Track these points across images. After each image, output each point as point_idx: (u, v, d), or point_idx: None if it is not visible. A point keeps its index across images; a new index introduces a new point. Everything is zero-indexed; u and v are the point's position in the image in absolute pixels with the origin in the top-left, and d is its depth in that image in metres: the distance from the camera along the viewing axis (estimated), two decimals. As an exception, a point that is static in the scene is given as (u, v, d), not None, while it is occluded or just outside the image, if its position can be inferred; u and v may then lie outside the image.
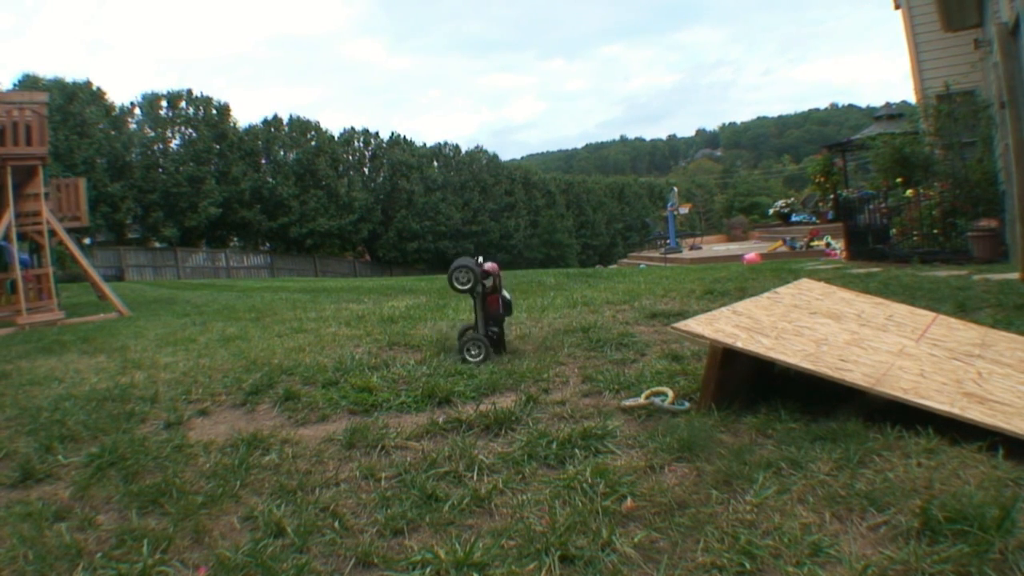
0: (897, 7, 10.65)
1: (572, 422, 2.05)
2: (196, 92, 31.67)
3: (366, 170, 35.76)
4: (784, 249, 14.95)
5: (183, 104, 31.50)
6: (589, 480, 1.55)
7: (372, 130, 36.37)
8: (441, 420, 2.13)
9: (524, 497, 1.53)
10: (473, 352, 2.96)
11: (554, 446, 1.81)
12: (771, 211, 23.58)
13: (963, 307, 3.63)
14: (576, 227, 42.37)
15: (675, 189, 24.93)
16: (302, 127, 34.94)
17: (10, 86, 24.19)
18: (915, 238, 8.40)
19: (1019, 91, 5.02)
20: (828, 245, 13.37)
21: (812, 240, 14.55)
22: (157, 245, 30.03)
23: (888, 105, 16.76)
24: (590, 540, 1.30)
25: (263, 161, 33.68)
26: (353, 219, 32.21)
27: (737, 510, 1.38)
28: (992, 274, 5.48)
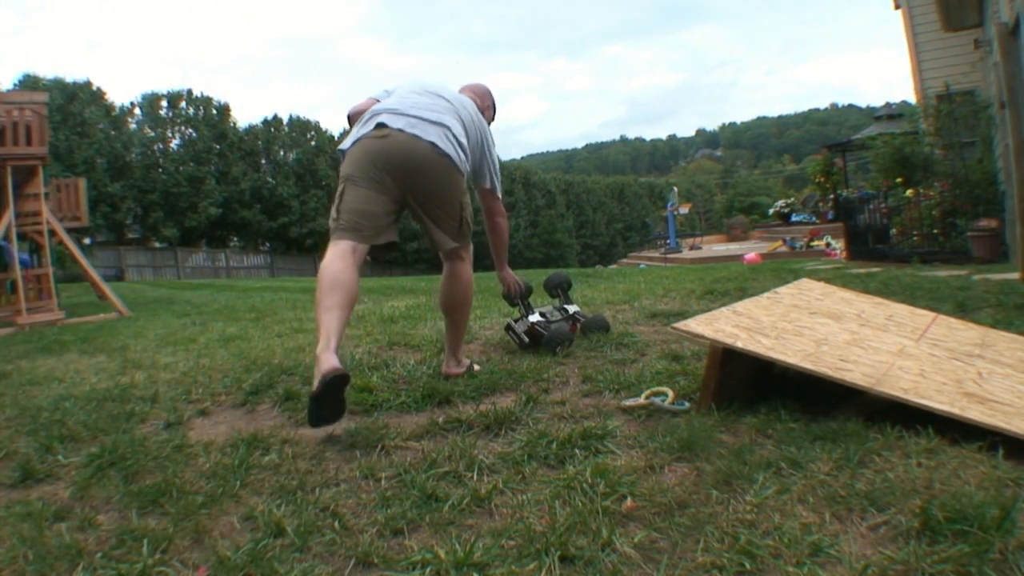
0: (897, 7, 10.66)
1: (572, 422, 2.05)
2: (196, 92, 31.66)
3: (366, 170, 35.70)
4: (784, 249, 14.96)
5: (183, 104, 31.48)
6: (589, 480, 1.55)
7: (372, 130, 36.28)
8: (441, 420, 2.13)
9: (524, 497, 1.53)
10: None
11: (554, 446, 1.81)
12: (771, 211, 23.58)
13: (963, 307, 3.63)
14: (576, 227, 42.35)
15: (675, 189, 24.96)
16: (302, 127, 34.92)
17: (10, 86, 24.20)
18: (915, 238, 8.40)
19: (1019, 91, 5.02)
20: (828, 245, 13.39)
21: (812, 240, 14.56)
22: (157, 245, 30.01)
23: (888, 105, 16.76)
24: (590, 540, 1.30)
25: (263, 161, 33.64)
26: (353, 219, 32.18)
27: (737, 510, 1.37)
28: (992, 274, 5.48)
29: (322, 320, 2.09)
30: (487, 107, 2.88)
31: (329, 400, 1.94)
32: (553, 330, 3.03)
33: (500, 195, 2.81)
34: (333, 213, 2.38)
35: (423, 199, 2.43)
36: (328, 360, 1.95)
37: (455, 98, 2.61)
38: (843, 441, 1.66)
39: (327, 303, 2.13)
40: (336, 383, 1.93)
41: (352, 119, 2.59)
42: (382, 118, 2.39)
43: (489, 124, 2.83)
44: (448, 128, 2.43)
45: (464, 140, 2.50)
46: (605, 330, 3.30)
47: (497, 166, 2.80)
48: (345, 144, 2.46)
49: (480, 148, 2.65)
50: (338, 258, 2.25)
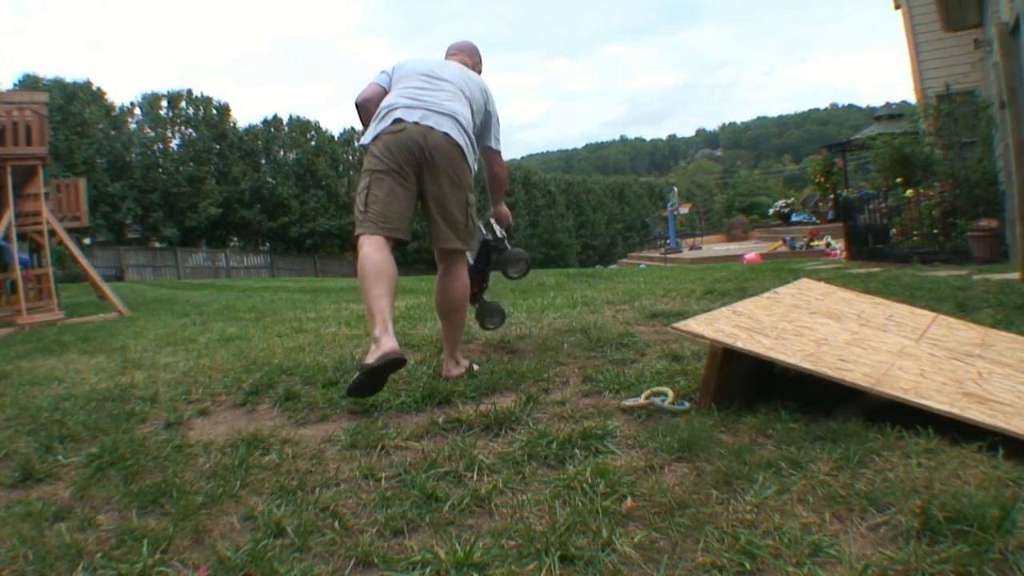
0: (897, 7, 10.65)
1: (572, 422, 2.05)
2: (196, 92, 31.61)
3: (366, 170, 35.72)
4: (784, 249, 14.95)
5: (183, 104, 31.42)
6: (589, 480, 1.55)
7: (372, 130, 36.30)
8: (441, 420, 2.13)
9: (524, 497, 1.53)
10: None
11: (554, 446, 1.81)
12: (771, 211, 23.58)
13: (963, 307, 3.63)
14: (576, 227, 42.33)
15: (675, 189, 24.92)
16: (302, 127, 34.87)
17: (10, 86, 24.20)
18: (915, 238, 8.40)
19: (1019, 91, 5.01)
20: (828, 245, 13.38)
21: (812, 240, 14.55)
22: (157, 245, 29.97)
23: (888, 105, 16.76)
24: (590, 540, 1.30)
25: (263, 161, 33.59)
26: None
27: (737, 510, 1.37)
28: (992, 274, 5.48)
29: (376, 307, 2.32)
30: (476, 63, 3.09)
31: (379, 377, 2.21)
32: (513, 250, 3.13)
33: (500, 150, 2.99)
34: (360, 205, 2.56)
35: (437, 185, 2.60)
36: (388, 342, 2.22)
37: (456, 76, 2.79)
38: (843, 441, 1.66)
39: (376, 291, 2.35)
40: (393, 364, 2.21)
41: (360, 108, 2.81)
42: (398, 113, 2.60)
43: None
44: (457, 119, 2.64)
45: (471, 126, 2.71)
46: (501, 315, 3.29)
47: (499, 124, 2.97)
48: (366, 139, 2.67)
49: (483, 110, 2.83)
50: (376, 249, 2.46)
